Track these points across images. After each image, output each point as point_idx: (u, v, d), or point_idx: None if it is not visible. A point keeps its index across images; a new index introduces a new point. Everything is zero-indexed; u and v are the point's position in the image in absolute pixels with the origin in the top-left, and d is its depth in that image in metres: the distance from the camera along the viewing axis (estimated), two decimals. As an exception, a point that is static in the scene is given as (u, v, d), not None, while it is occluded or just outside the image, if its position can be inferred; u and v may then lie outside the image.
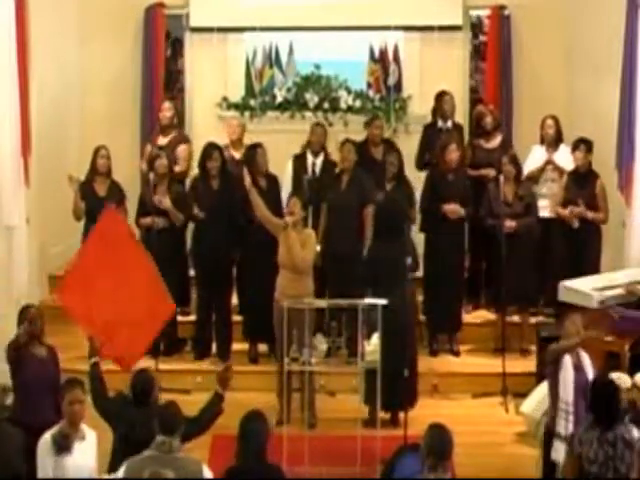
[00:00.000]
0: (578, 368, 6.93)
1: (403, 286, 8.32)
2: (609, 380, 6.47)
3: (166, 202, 9.35)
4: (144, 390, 6.37)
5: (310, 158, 10.01)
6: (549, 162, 9.85)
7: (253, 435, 5.73)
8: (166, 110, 10.34)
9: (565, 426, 6.86)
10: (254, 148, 9.54)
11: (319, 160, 10.00)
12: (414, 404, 8.46)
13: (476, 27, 11.88)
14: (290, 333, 7.96)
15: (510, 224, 9.34)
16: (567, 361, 6.91)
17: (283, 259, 8.59)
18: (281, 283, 8.62)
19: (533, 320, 9.70)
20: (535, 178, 9.84)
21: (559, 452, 6.87)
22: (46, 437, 6.13)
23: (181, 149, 10.24)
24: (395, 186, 9.56)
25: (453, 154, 9.60)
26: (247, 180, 8.89)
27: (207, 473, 5.74)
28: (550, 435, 7.01)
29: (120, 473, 5.68)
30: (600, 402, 6.14)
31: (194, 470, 5.62)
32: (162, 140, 10.27)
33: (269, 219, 8.77)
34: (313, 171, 9.97)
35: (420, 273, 9.65)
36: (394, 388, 8.01)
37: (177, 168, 10.09)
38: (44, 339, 7.39)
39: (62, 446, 6.04)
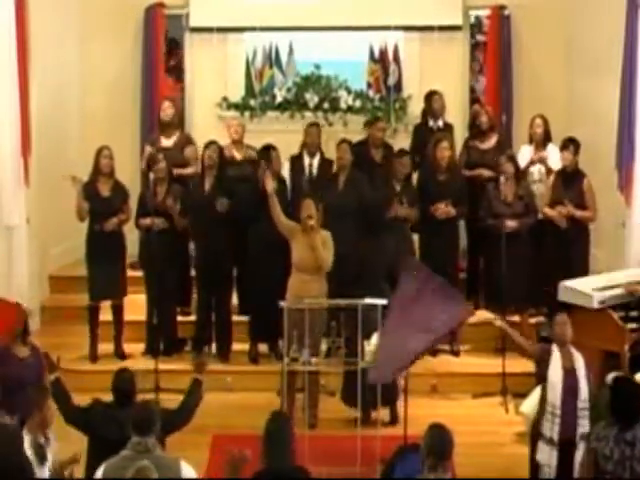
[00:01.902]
0: (569, 370, 6.89)
1: (383, 284, 8.30)
2: (631, 379, 6.45)
3: (175, 208, 9.35)
4: (126, 390, 6.34)
5: (307, 159, 9.99)
6: (533, 162, 9.83)
7: (278, 437, 5.71)
8: (167, 108, 10.24)
9: (550, 428, 6.83)
10: (268, 149, 9.49)
11: (316, 161, 9.99)
12: (396, 401, 8.44)
13: (476, 27, 11.89)
14: (291, 333, 7.95)
15: (511, 224, 9.34)
16: (556, 363, 6.89)
17: (302, 261, 8.52)
18: (295, 285, 8.55)
19: (533, 320, 9.69)
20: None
21: (543, 453, 6.87)
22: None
23: (190, 150, 10.18)
24: (403, 187, 9.56)
25: (445, 152, 9.59)
26: (270, 186, 8.75)
27: (186, 469, 5.65)
28: (537, 435, 6.98)
29: (99, 475, 5.66)
30: (620, 401, 6.10)
31: (171, 468, 5.57)
32: (166, 141, 10.19)
33: (286, 224, 8.71)
34: (310, 172, 9.95)
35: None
36: (373, 386, 7.93)
37: (188, 170, 10.06)
38: (28, 339, 7.35)
39: (43, 456, 6.00)
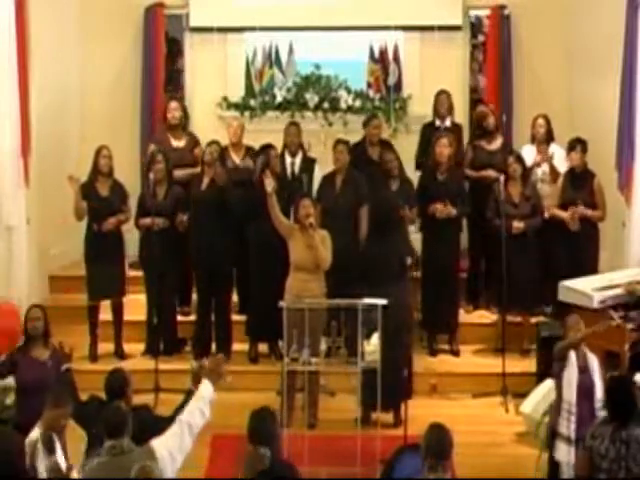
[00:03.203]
0: (583, 369, 6.90)
1: (397, 285, 8.31)
2: (625, 377, 6.45)
3: (185, 223, 9.39)
4: (117, 389, 6.34)
5: (288, 158, 9.97)
6: (539, 163, 9.83)
7: (264, 432, 5.69)
8: (175, 110, 10.16)
9: (567, 426, 6.84)
10: (267, 149, 9.49)
11: (298, 159, 9.98)
12: (406, 401, 8.43)
13: (476, 27, 11.89)
14: (291, 333, 7.94)
15: (518, 225, 9.33)
16: (572, 361, 6.89)
17: (301, 261, 8.52)
18: (294, 285, 8.54)
19: (533, 320, 9.69)
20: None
21: (561, 452, 6.86)
22: (34, 443, 5.98)
23: (199, 150, 10.13)
24: (399, 186, 9.54)
25: (444, 149, 9.57)
26: (269, 186, 8.68)
27: (159, 450, 5.60)
28: (554, 435, 6.99)
29: None
30: (615, 398, 6.11)
31: (148, 461, 5.53)
32: (176, 142, 10.16)
33: (285, 223, 8.71)
34: (292, 171, 9.93)
35: (417, 273, 9.65)
36: (389, 387, 7.97)
37: (199, 169, 10.03)
38: (50, 342, 7.37)
39: (51, 449, 5.99)
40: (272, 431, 5.69)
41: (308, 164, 9.97)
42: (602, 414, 6.73)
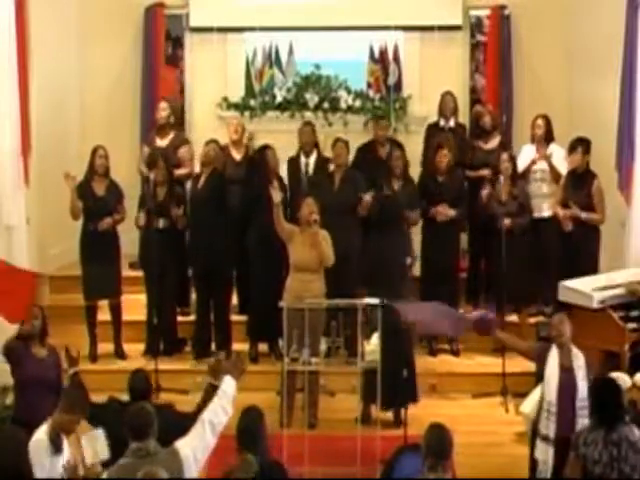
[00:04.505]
0: (566, 368, 6.86)
1: (399, 285, 8.31)
2: (610, 379, 6.43)
3: (179, 213, 9.38)
4: (142, 390, 6.36)
5: (303, 159, 9.98)
6: (535, 161, 9.82)
7: (252, 431, 5.70)
8: (161, 110, 10.23)
9: (546, 425, 6.81)
10: (264, 150, 9.49)
11: (312, 160, 9.99)
12: (415, 402, 8.45)
13: (476, 27, 11.88)
14: (291, 333, 7.94)
15: (506, 222, 9.34)
16: (552, 360, 6.86)
17: (302, 261, 8.51)
18: (294, 286, 8.53)
19: (532, 320, 9.69)
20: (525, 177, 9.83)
21: (540, 451, 6.85)
22: (41, 438, 5.99)
23: (183, 151, 10.18)
24: (402, 185, 9.55)
25: (444, 158, 9.60)
26: (276, 197, 8.60)
27: (184, 450, 5.58)
28: (536, 433, 6.97)
29: None
30: (601, 402, 6.10)
31: (173, 462, 5.51)
32: (160, 142, 10.21)
33: (286, 229, 8.69)
34: (307, 171, 9.95)
35: (417, 273, 9.66)
36: (393, 387, 8.00)
37: (182, 171, 10.05)
38: (47, 340, 7.38)
39: (59, 447, 6.00)
40: (259, 432, 5.71)
41: (323, 163, 9.96)
42: (584, 413, 6.70)
